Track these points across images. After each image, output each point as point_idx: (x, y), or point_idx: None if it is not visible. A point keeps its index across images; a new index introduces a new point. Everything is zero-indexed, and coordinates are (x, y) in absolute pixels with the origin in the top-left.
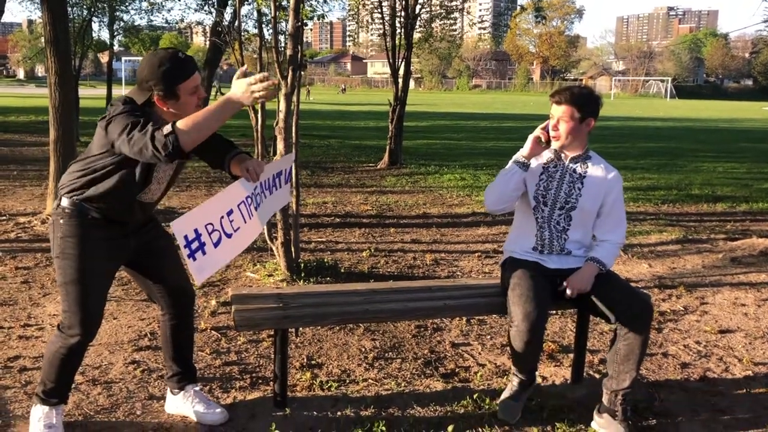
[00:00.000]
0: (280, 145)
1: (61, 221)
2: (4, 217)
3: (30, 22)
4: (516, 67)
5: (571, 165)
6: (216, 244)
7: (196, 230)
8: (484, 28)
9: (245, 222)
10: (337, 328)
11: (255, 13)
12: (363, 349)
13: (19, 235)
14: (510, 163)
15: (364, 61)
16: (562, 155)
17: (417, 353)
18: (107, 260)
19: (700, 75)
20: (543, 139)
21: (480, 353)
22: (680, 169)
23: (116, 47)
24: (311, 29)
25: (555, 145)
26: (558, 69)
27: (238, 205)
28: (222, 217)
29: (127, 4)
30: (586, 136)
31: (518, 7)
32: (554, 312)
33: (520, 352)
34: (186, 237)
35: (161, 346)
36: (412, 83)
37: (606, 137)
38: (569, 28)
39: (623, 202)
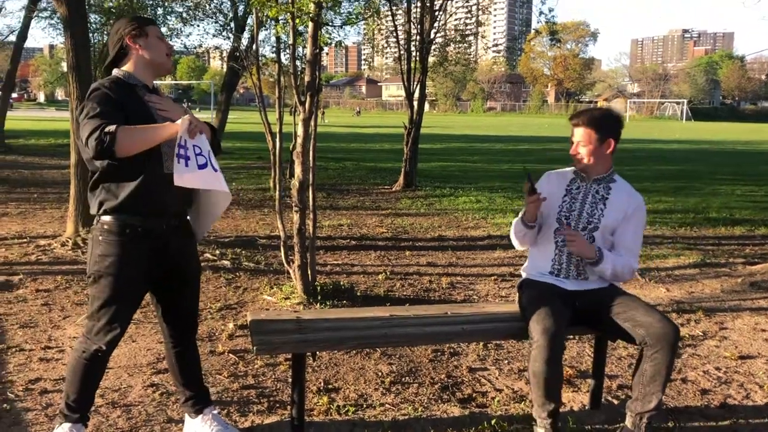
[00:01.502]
0: (297, 169)
1: (100, 238)
2: (25, 240)
3: (51, 47)
4: (530, 89)
5: (594, 186)
6: (201, 167)
7: (185, 141)
8: (499, 52)
9: (211, 169)
10: (354, 352)
11: (272, 38)
12: (380, 374)
13: (39, 257)
14: (518, 222)
15: (378, 84)
16: (585, 176)
17: (434, 378)
18: (141, 279)
19: (716, 97)
20: (524, 189)
21: (497, 378)
22: (697, 192)
23: None
24: (327, 53)
25: (578, 167)
26: (573, 91)
27: (209, 152)
28: (210, 150)
29: None
30: (610, 157)
31: (533, 31)
32: (572, 337)
33: (541, 374)
34: (181, 137)
35: (170, 373)
36: (426, 106)
37: (622, 160)
38: (584, 50)
39: (642, 232)
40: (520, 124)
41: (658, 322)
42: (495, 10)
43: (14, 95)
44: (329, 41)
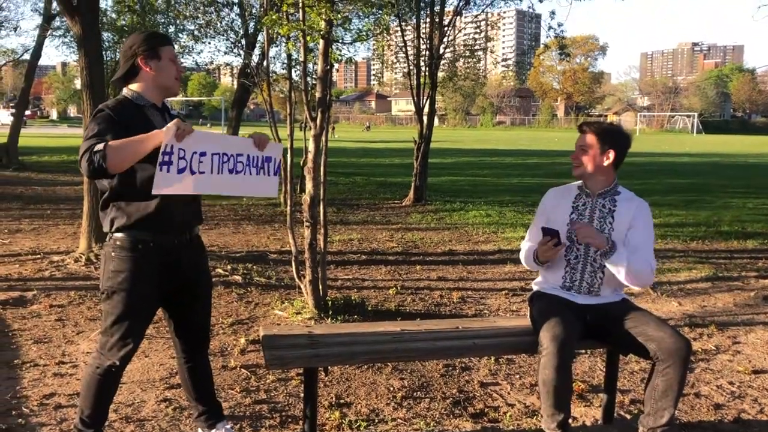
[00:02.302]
0: (308, 184)
1: (113, 254)
2: (39, 256)
3: (64, 65)
4: (540, 103)
5: (599, 200)
6: (179, 171)
7: (172, 147)
8: (507, 67)
9: (212, 173)
10: (366, 367)
11: (282, 55)
12: (391, 389)
13: (53, 273)
14: (529, 258)
15: (388, 99)
16: (589, 191)
17: (445, 393)
18: (154, 295)
19: (727, 110)
20: (545, 243)
21: (509, 393)
22: (709, 205)
23: None
24: (338, 70)
25: (575, 172)
26: (582, 105)
27: (213, 154)
28: (195, 152)
29: None
30: (611, 170)
31: (542, 45)
32: (584, 351)
33: (551, 381)
34: (167, 146)
35: (183, 388)
36: (436, 120)
37: (632, 173)
38: (593, 64)
39: (652, 235)
40: (530, 138)
41: (670, 336)
42: (504, 24)
43: (27, 112)
44: (340, 58)
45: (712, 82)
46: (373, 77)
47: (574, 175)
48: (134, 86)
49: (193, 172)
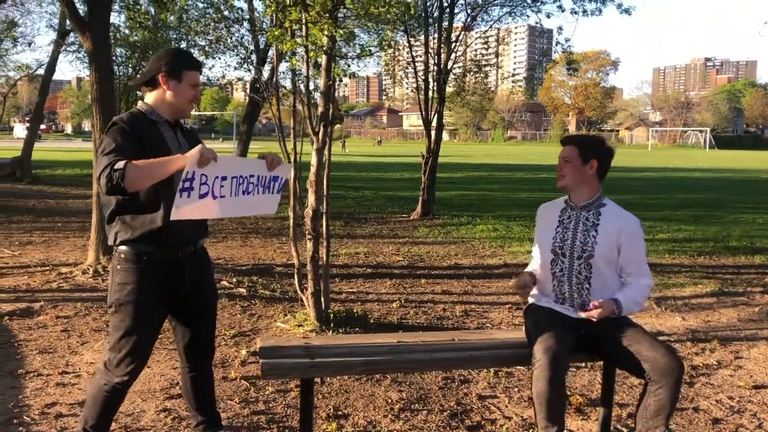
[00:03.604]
0: (311, 197)
1: (119, 267)
2: (48, 267)
3: (79, 79)
4: (551, 118)
5: (583, 213)
6: (201, 196)
7: (194, 173)
8: (515, 82)
9: (231, 195)
10: (364, 378)
11: (290, 71)
12: (389, 401)
13: (60, 285)
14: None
15: (399, 113)
16: (573, 204)
17: (443, 405)
18: (160, 306)
19: (740, 125)
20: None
21: (507, 406)
22: (718, 220)
23: None
24: (346, 85)
25: (558, 184)
26: (594, 120)
27: (233, 177)
28: (217, 177)
29: None
30: (595, 180)
31: (553, 60)
32: (583, 365)
33: (543, 394)
34: (187, 173)
35: (184, 398)
36: (447, 135)
37: (643, 188)
38: (605, 79)
39: (644, 250)
40: (540, 152)
41: (663, 357)
42: (516, 40)
43: (42, 126)
44: (344, 73)
45: (724, 97)
46: (383, 92)
47: (558, 187)
48: (149, 99)
49: (215, 197)
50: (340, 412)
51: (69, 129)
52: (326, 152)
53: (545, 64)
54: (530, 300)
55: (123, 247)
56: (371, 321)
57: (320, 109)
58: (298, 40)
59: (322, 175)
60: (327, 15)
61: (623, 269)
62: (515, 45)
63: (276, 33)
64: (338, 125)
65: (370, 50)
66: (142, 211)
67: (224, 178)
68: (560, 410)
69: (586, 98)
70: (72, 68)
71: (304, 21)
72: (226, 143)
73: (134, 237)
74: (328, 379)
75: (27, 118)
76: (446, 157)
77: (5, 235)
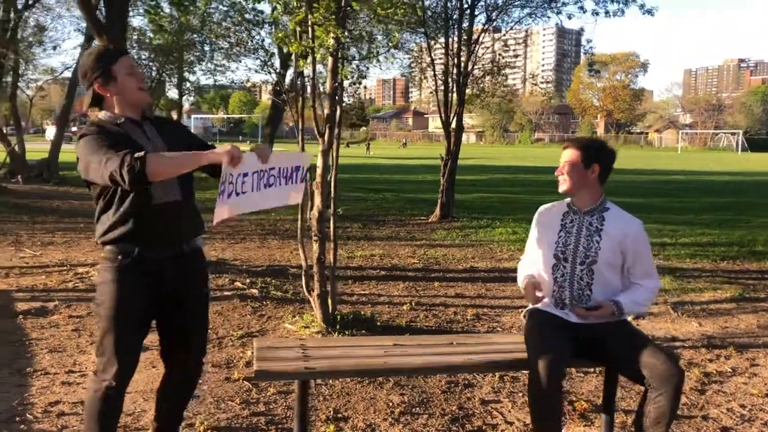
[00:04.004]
0: (317, 199)
1: (100, 266)
2: (65, 267)
3: None
4: (579, 120)
5: (586, 218)
6: (228, 196)
7: (229, 174)
8: (535, 84)
9: (252, 191)
10: (367, 381)
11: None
12: (390, 404)
13: (76, 285)
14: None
15: (425, 115)
16: (576, 209)
17: (445, 409)
18: (141, 308)
19: None
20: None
21: (510, 411)
22: (745, 224)
23: (187, 105)
24: (373, 86)
25: (561, 189)
26: (623, 122)
27: (254, 173)
28: (239, 174)
29: (193, 66)
30: (598, 185)
31: (575, 63)
32: (592, 371)
33: (539, 401)
34: (225, 174)
35: (155, 399)
36: (473, 137)
37: (669, 191)
38: (634, 81)
39: (650, 252)
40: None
41: (663, 364)
42: (544, 40)
43: (73, 129)
44: (352, 75)
45: (758, 99)
46: (410, 95)
47: (560, 192)
48: (103, 112)
49: (238, 194)
50: (339, 415)
51: None
52: (333, 153)
53: (565, 66)
54: (530, 305)
55: (106, 247)
56: (378, 323)
57: (326, 111)
58: (305, 42)
59: (328, 177)
60: (333, 17)
61: (630, 272)
62: (543, 46)
63: (280, 35)
64: (363, 128)
65: (377, 52)
66: (115, 211)
67: (245, 174)
68: (556, 417)
69: (615, 100)
70: None
71: (309, 22)
72: (253, 145)
73: (116, 236)
74: (330, 381)
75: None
76: (471, 159)
77: (29, 236)
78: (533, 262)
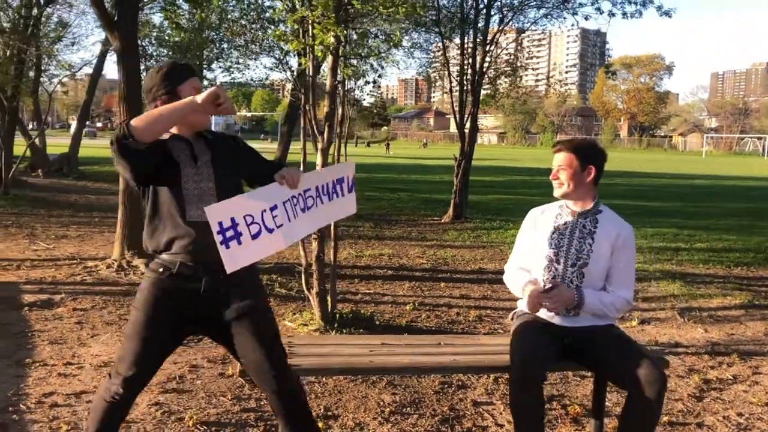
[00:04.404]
0: None
1: (142, 274)
2: (76, 261)
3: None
4: (602, 123)
5: (580, 220)
6: (255, 236)
7: (233, 219)
8: (550, 85)
9: (289, 220)
10: (360, 380)
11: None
12: (381, 403)
13: (84, 278)
14: (516, 286)
15: (446, 116)
16: (570, 211)
17: (436, 410)
18: (168, 323)
19: None
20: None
21: (501, 413)
22: (763, 231)
23: None
24: (395, 86)
25: (557, 193)
26: (647, 125)
27: (284, 202)
28: (264, 210)
29: (211, 63)
30: (592, 187)
31: (591, 64)
32: (588, 374)
33: (519, 404)
34: (220, 224)
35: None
36: (495, 138)
37: (689, 195)
38: (658, 84)
39: (634, 261)
40: None
41: (645, 369)
42: (568, 42)
43: (98, 125)
44: (358, 75)
45: None
46: (432, 95)
47: (557, 196)
48: None
49: (270, 230)
50: (330, 413)
51: None
52: (334, 152)
53: (584, 67)
54: (518, 305)
55: (150, 258)
56: (378, 323)
57: (326, 109)
58: (302, 40)
59: None
60: (332, 15)
61: (608, 277)
62: (567, 47)
63: (278, 32)
64: (385, 127)
65: (378, 50)
66: (155, 225)
67: (274, 208)
68: (537, 419)
69: (639, 103)
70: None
71: (310, 21)
72: (274, 143)
73: (156, 247)
74: (323, 378)
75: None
76: (491, 161)
77: (43, 229)
78: (520, 265)
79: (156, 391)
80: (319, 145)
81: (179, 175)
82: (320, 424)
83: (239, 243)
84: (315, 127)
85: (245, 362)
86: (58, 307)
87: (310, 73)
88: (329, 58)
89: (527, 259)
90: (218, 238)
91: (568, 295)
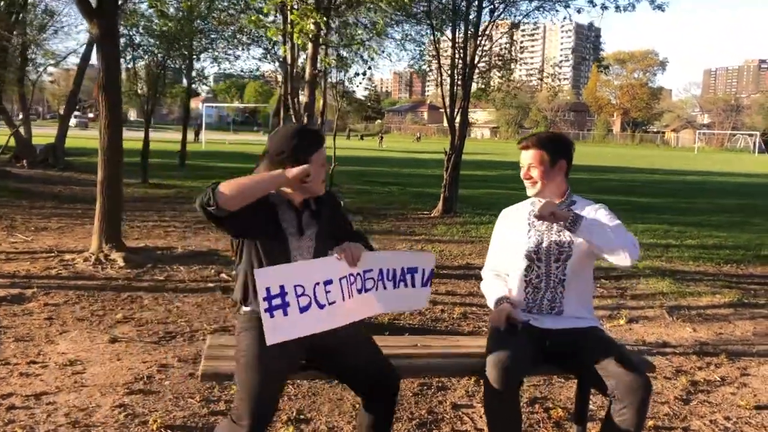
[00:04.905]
0: None
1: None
2: (53, 254)
3: (128, 70)
4: (595, 118)
5: None
6: (303, 310)
7: (282, 287)
8: (541, 78)
9: (344, 299)
10: (335, 381)
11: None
12: (356, 406)
13: (59, 272)
14: (490, 296)
15: (440, 110)
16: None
17: (413, 413)
18: (281, 359)
19: None
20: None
21: (481, 417)
22: (754, 228)
23: (204, 94)
24: (389, 79)
25: (531, 192)
26: (639, 121)
27: (340, 279)
28: (317, 283)
29: (200, 53)
30: (564, 180)
31: (583, 58)
32: (573, 376)
33: (493, 411)
34: (268, 290)
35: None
36: (488, 133)
37: (680, 191)
38: (652, 80)
39: (616, 217)
40: (581, 152)
41: (628, 374)
42: (562, 37)
43: (90, 115)
44: (337, 65)
45: None
46: (426, 88)
47: (531, 195)
48: None
49: (321, 306)
50: (302, 416)
51: None
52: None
53: (576, 61)
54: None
55: (243, 308)
56: None
57: (304, 99)
58: (280, 28)
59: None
60: (312, 1)
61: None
62: (561, 42)
63: (252, 18)
64: (378, 120)
65: (361, 39)
66: (249, 274)
67: (329, 282)
68: (512, 425)
69: (632, 98)
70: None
71: (289, 7)
72: (266, 136)
73: (242, 298)
74: (297, 380)
75: (78, 107)
76: (483, 155)
77: (24, 220)
78: (497, 270)
79: (122, 391)
80: None
81: (288, 250)
82: (290, 429)
83: (285, 314)
84: (294, 117)
85: (360, 370)
86: (29, 302)
87: (290, 62)
88: (309, 47)
89: (504, 262)
90: (263, 305)
91: (563, 213)
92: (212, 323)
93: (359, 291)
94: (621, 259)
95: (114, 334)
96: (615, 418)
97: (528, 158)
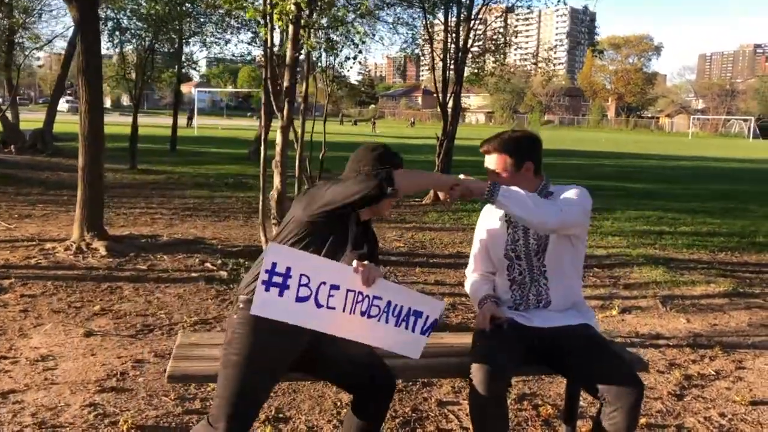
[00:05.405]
0: (276, 179)
1: (235, 317)
2: (34, 242)
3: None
4: (590, 103)
5: None
6: (299, 300)
7: (288, 269)
8: (535, 63)
9: (343, 311)
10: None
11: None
12: (338, 404)
13: (39, 261)
14: (474, 297)
15: (435, 95)
16: None
17: (397, 411)
18: (276, 360)
19: None
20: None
21: (467, 415)
22: (749, 214)
23: (196, 79)
24: (384, 64)
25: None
26: (634, 106)
27: (348, 290)
28: (324, 283)
29: (189, 37)
30: (534, 178)
31: (578, 43)
32: None
33: (479, 411)
34: (274, 264)
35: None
36: (483, 118)
37: (675, 177)
38: (646, 65)
39: (581, 197)
40: (576, 138)
41: (620, 377)
42: (557, 21)
43: None
44: (318, 47)
45: None
46: (422, 74)
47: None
48: None
49: (319, 306)
50: (281, 415)
51: (108, 103)
52: (296, 131)
53: (571, 46)
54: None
55: (244, 298)
56: None
57: (285, 83)
58: (259, 9)
59: (288, 156)
60: None
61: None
62: (556, 27)
63: None
64: (372, 105)
65: (343, 19)
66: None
67: (336, 287)
68: (498, 426)
69: (627, 83)
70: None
71: None
72: (257, 121)
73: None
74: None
75: (69, 92)
76: (478, 140)
77: (8, 207)
78: (481, 270)
79: (93, 389)
80: (279, 123)
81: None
82: (268, 428)
83: (280, 294)
84: (274, 103)
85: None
86: (5, 293)
87: (269, 45)
88: (290, 28)
89: (486, 261)
90: (263, 277)
91: (480, 184)
92: (192, 315)
93: (362, 314)
94: (540, 226)
95: (90, 328)
96: (605, 422)
97: (491, 164)
